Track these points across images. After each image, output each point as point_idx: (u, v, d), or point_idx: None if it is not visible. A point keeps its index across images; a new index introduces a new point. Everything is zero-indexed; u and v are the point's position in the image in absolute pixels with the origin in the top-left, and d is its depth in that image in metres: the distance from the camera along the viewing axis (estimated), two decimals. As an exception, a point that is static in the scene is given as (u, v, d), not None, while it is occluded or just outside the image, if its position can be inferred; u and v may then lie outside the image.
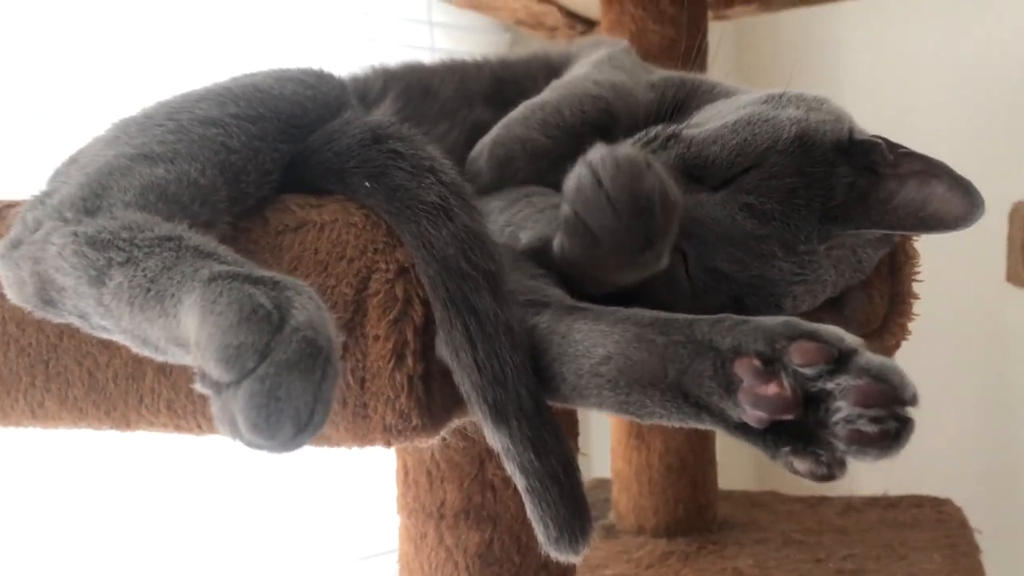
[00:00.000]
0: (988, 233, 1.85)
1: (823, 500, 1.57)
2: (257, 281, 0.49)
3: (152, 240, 0.53)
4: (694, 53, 1.19)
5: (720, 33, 1.33)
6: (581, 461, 0.63)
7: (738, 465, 1.98)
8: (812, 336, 0.51)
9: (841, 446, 0.49)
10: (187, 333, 0.49)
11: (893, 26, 2.03)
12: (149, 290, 0.51)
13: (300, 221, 0.62)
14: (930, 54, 2.00)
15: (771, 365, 0.51)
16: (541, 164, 0.81)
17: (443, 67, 0.97)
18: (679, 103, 0.84)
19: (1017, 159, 1.83)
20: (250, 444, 0.46)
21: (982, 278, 1.91)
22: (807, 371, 0.50)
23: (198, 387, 0.48)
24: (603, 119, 0.83)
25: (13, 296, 0.59)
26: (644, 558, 1.35)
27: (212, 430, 0.63)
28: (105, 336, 0.56)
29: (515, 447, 0.56)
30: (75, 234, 0.55)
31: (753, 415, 0.51)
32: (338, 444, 0.62)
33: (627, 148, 0.63)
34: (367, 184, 0.61)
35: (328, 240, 0.60)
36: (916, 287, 0.82)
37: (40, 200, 0.60)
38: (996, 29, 1.92)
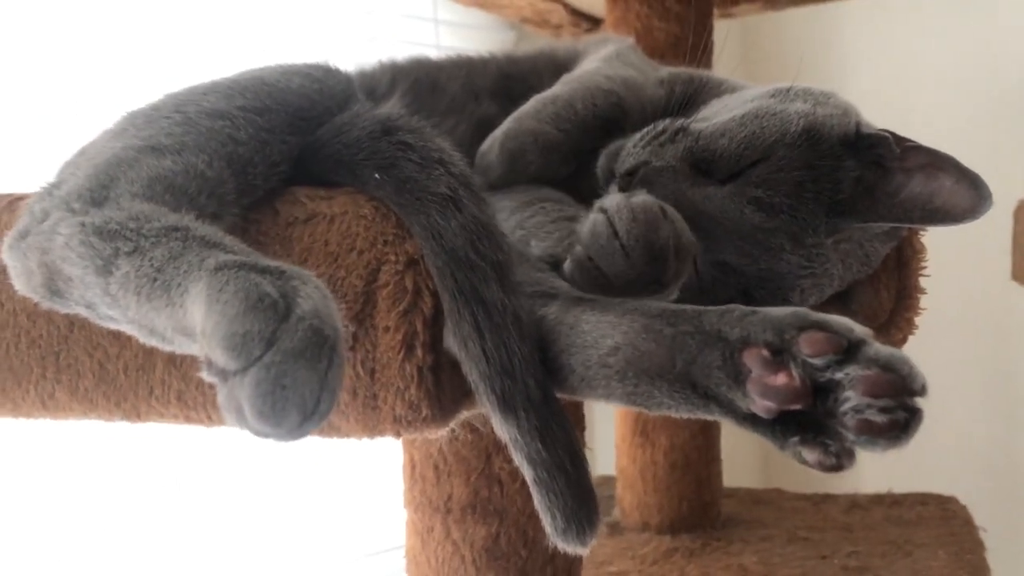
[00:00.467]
0: (994, 230, 1.85)
1: (828, 497, 1.57)
2: (263, 270, 0.49)
3: (159, 230, 0.53)
4: (700, 51, 1.19)
5: (726, 31, 1.33)
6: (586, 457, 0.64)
7: (743, 463, 1.98)
8: (821, 326, 0.51)
9: (850, 436, 0.49)
10: (193, 322, 0.49)
11: (898, 24, 2.03)
12: (156, 279, 0.51)
13: (310, 213, 0.62)
14: (935, 51, 2.00)
15: (780, 355, 0.51)
16: (553, 158, 0.81)
17: (450, 62, 0.97)
18: (688, 98, 0.85)
19: (1023, 156, 1.83)
20: (256, 432, 0.46)
21: (988, 276, 1.90)
22: (816, 361, 0.50)
23: (204, 375, 0.48)
24: (614, 113, 0.83)
25: (21, 287, 0.59)
26: (649, 555, 1.35)
27: (222, 422, 0.63)
28: (112, 326, 0.56)
29: (523, 437, 0.56)
30: (82, 224, 0.55)
31: (762, 405, 0.51)
32: (348, 435, 0.62)
33: (643, 196, 0.64)
34: (377, 176, 0.61)
35: (338, 232, 0.61)
36: (923, 282, 0.82)
37: (48, 191, 0.61)
38: (1001, 26, 1.92)
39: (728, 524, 1.45)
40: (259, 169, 0.64)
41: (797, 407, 0.50)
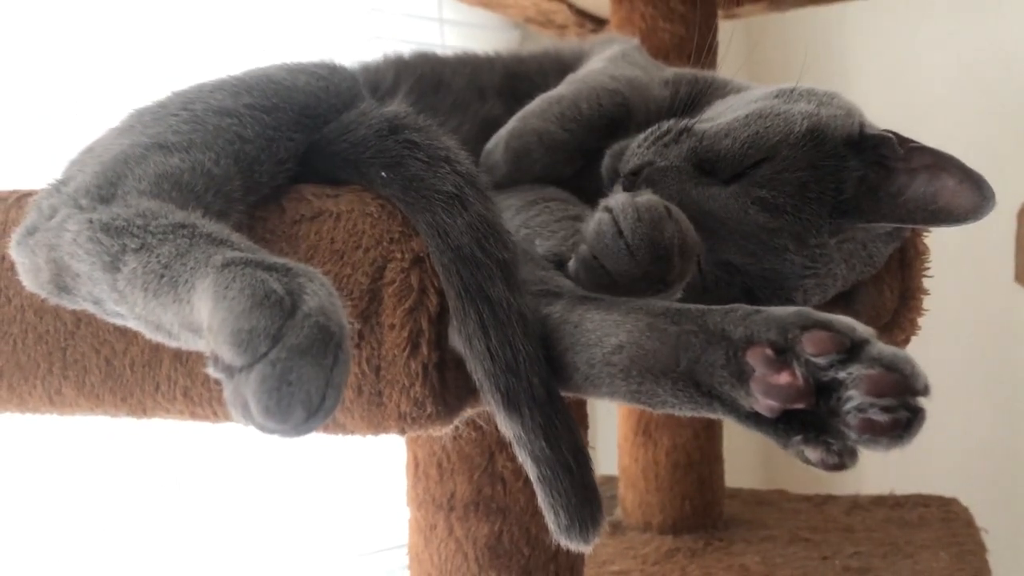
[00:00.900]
0: (997, 232, 1.85)
1: (830, 498, 1.57)
2: (269, 267, 0.49)
3: (166, 227, 0.54)
4: (707, 52, 1.19)
5: (730, 32, 1.34)
6: (589, 456, 0.64)
7: (745, 463, 1.98)
8: (824, 326, 0.51)
9: (853, 435, 0.49)
10: (200, 318, 0.49)
11: (901, 25, 2.03)
12: (163, 276, 0.51)
13: (317, 211, 0.62)
14: (938, 52, 2.00)
15: (783, 354, 0.51)
16: (557, 157, 0.81)
17: (455, 60, 0.98)
18: (692, 99, 0.85)
19: (1026, 159, 1.83)
20: (262, 428, 0.46)
21: (991, 278, 1.91)
22: (819, 360, 0.50)
23: (210, 371, 0.48)
24: (619, 113, 0.83)
25: (29, 283, 0.60)
26: (650, 555, 1.35)
27: (227, 417, 0.64)
28: (119, 322, 0.57)
29: (527, 435, 0.56)
30: (90, 221, 0.55)
31: (765, 404, 0.51)
32: (353, 432, 0.62)
33: (648, 196, 0.64)
34: (383, 174, 0.62)
35: (344, 230, 0.61)
36: (926, 283, 0.82)
37: (56, 188, 0.61)
38: (1005, 28, 1.92)
39: (730, 524, 1.45)
40: (265, 167, 0.64)
41: (800, 406, 0.50)
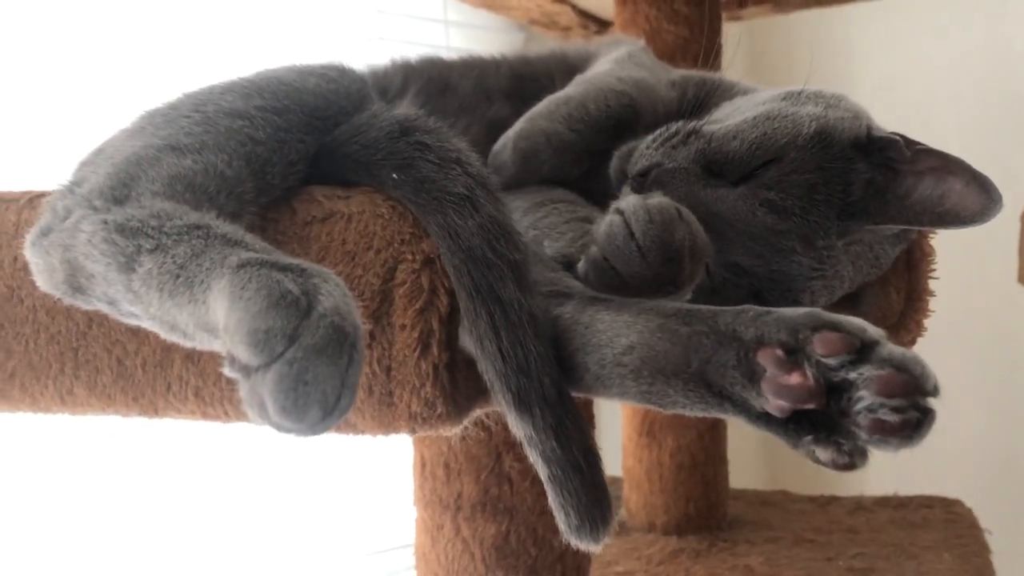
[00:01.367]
0: (1001, 233, 1.86)
1: (833, 499, 1.57)
2: (285, 268, 0.49)
3: (181, 228, 0.54)
4: (712, 54, 1.20)
5: (737, 34, 1.34)
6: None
7: (749, 464, 1.99)
8: (835, 327, 0.51)
9: (863, 435, 0.50)
10: (216, 318, 0.50)
11: (906, 28, 2.03)
12: (178, 276, 0.52)
13: (328, 212, 0.63)
14: (943, 55, 2.00)
15: (794, 355, 0.51)
16: (565, 158, 0.82)
17: (462, 63, 0.98)
18: (699, 101, 0.85)
19: (1030, 161, 1.83)
20: (278, 427, 0.47)
21: (994, 280, 1.91)
22: (830, 361, 0.50)
23: (226, 371, 0.49)
24: (627, 115, 0.84)
25: (43, 283, 0.60)
26: (655, 555, 1.35)
27: (239, 417, 0.64)
28: (134, 322, 0.57)
29: (538, 435, 0.56)
30: (105, 222, 0.56)
31: (776, 404, 0.51)
32: (363, 432, 0.63)
33: (659, 198, 0.64)
34: (394, 176, 0.62)
35: (355, 231, 0.61)
36: (932, 284, 0.82)
37: (69, 189, 0.61)
38: (1010, 29, 1.92)
39: (734, 525, 1.45)
40: (277, 168, 0.64)
41: (811, 406, 0.51)
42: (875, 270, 0.78)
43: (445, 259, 0.59)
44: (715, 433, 1.44)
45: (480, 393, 0.61)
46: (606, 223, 0.64)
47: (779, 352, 0.51)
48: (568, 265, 0.69)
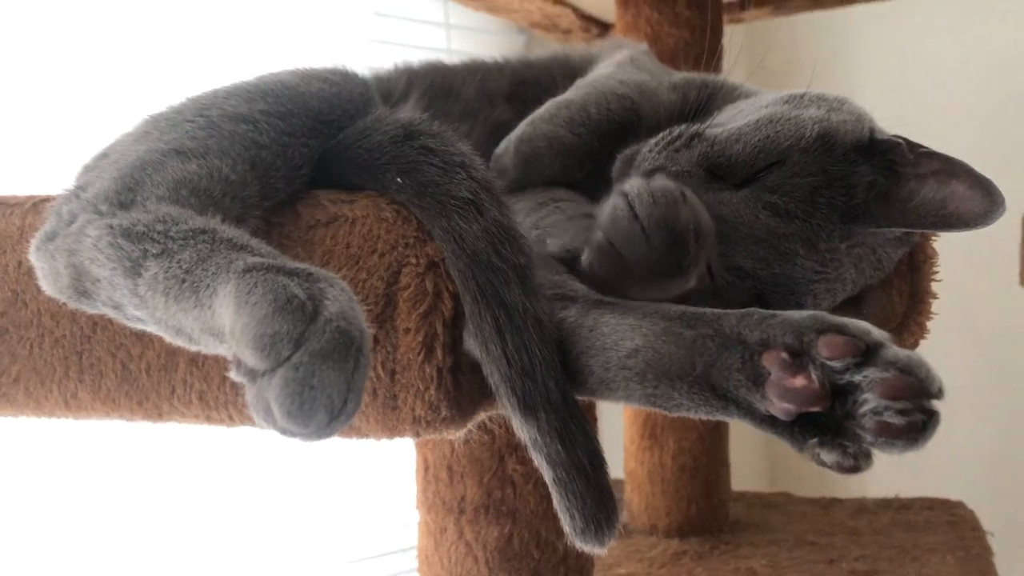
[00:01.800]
0: (1002, 237, 1.86)
1: (836, 502, 1.57)
2: (291, 272, 0.50)
3: (186, 232, 0.54)
4: (713, 57, 1.20)
5: (739, 37, 1.34)
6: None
7: (751, 466, 1.99)
8: (840, 330, 0.51)
9: (868, 438, 0.50)
10: (222, 323, 0.50)
11: (907, 30, 2.03)
12: (184, 281, 0.52)
13: (332, 216, 0.63)
14: (944, 58, 2.00)
15: (799, 358, 0.51)
16: (566, 161, 0.82)
17: (465, 67, 0.98)
18: (701, 104, 0.85)
19: (1031, 163, 1.84)
20: (284, 431, 0.47)
21: (996, 282, 1.91)
22: (835, 364, 0.51)
23: (233, 375, 0.49)
24: (628, 118, 0.84)
25: (48, 288, 0.60)
26: (657, 557, 1.35)
27: (243, 421, 0.64)
28: (139, 327, 0.57)
29: (543, 438, 0.56)
30: (110, 226, 0.56)
31: (781, 407, 0.52)
32: (368, 435, 0.63)
33: (663, 180, 0.64)
34: (399, 180, 0.62)
35: (359, 235, 0.61)
36: (934, 287, 0.83)
37: (74, 194, 0.61)
38: (1012, 32, 1.93)
39: (736, 527, 1.45)
40: (281, 172, 0.64)
41: (815, 409, 0.51)
42: (878, 272, 0.78)
43: (450, 263, 0.59)
44: (717, 435, 1.44)
45: (484, 396, 0.61)
46: (609, 206, 0.63)
47: (784, 355, 0.52)
48: (573, 259, 0.69)
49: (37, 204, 0.69)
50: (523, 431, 0.57)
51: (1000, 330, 1.96)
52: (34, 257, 0.60)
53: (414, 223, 0.61)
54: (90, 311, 0.60)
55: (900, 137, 0.75)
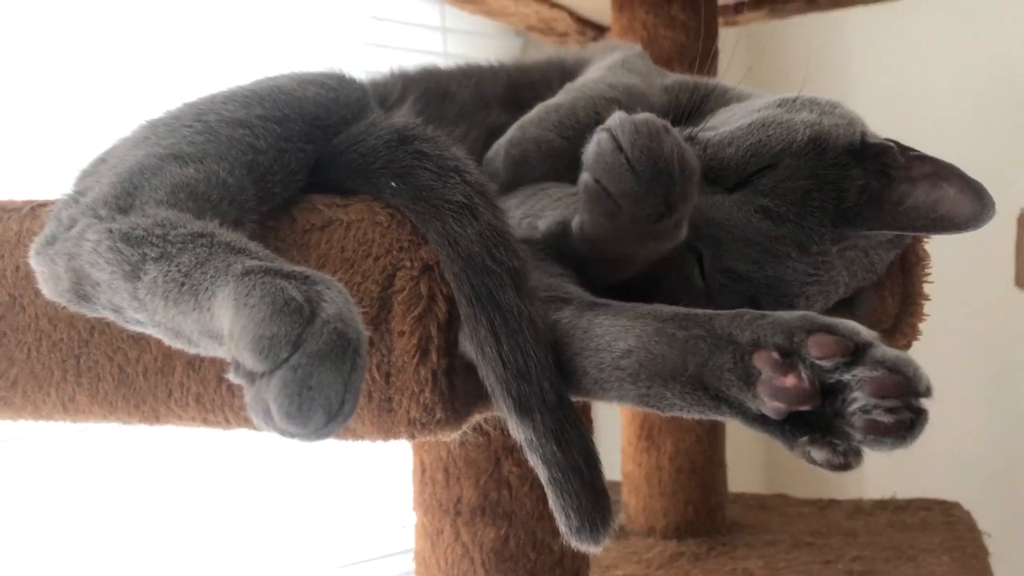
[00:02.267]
0: (998, 238, 1.87)
1: (832, 503, 1.58)
2: (288, 276, 0.50)
3: (185, 236, 0.55)
4: (708, 59, 1.20)
5: (733, 39, 1.35)
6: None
7: (747, 467, 1.99)
8: (829, 330, 0.52)
9: (857, 436, 0.50)
10: (220, 325, 0.50)
11: (902, 32, 2.04)
12: (183, 284, 0.52)
13: (327, 220, 0.63)
14: (939, 59, 2.01)
15: (789, 357, 0.52)
16: (556, 164, 0.82)
17: (460, 71, 0.99)
18: (693, 107, 0.86)
19: (1026, 164, 1.84)
20: (282, 432, 0.47)
21: (992, 283, 1.92)
22: (824, 363, 0.51)
23: (231, 377, 0.49)
24: None
25: (48, 291, 0.61)
26: (654, 559, 1.36)
27: (239, 424, 0.65)
28: (138, 329, 0.57)
29: (538, 439, 0.57)
30: (110, 231, 0.56)
31: (772, 406, 0.52)
32: (363, 437, 0.63)
33: (645, 114, 0.64)
34: (393, 184, 0.63)
35: (354, 238, 0.62)
36: (927, 289, 0.83)
37: (73, 198, 0.62)
38: (1006, 35, 1.93)
39: (733, 529, 1.46)
40: (278, 177, 0.65)
41: (806, 408, 0.52)
42: (870, 275, 0.78)
43: (445, 266, 0.59)
44: (714, 437, 1.44)
45: (479, 398, 0.62)
46: (594, 142, 0.64)
47: (775, 355, 0.52)
48: (564, 230, 0.69)
49: (35, 209, 0.69)
50: (518, 432, 0.58)
51: (996, 331, 1.97)
52: (34, 261, 0.60)
53: (409, 227, 0.62)
54: (90, 314, 0.60)
55: (891, 140, 0.76)
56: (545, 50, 1.76)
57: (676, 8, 1.37)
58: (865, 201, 0.74)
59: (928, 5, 1.96)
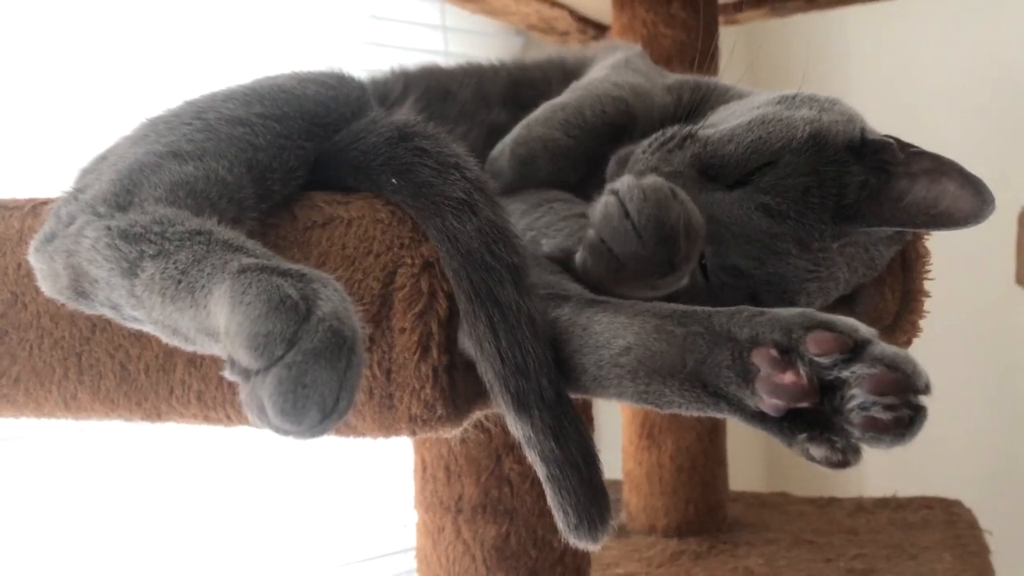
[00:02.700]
0: (998, 235, 1.86)
1: (833, 501, 1.58)
2: (284, 273, 0.50)
3: (183, 234, 0.55)
4: (708, 58, 1.20)
5: (733, 37, 1.35)
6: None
7: (748, 466, 1.99)
8: (828, 326, 0.52)
9: (856, 433, 0.50)
10: (217, 323, 0.50)
11: (902, 30, 2.04)
12: (180, 281, 0.53)
13: (328, 217, 0.63)
14: (939, 57, 2.01)
15: (788, 354, 0.52)
16: (562, 163, 0.82)
17: (461, 70, 0.99)
18: (695, 105, 0.86)
19: (1026, 162, 1.84)
20: (277, 430, 0.47)
21: (992, 280, 1.92)
22: (823, 360, 0.51)
23: (227, 374, 0.50)
24: (622, 120, 0.85)
25: (47, 288, 0.61)
26: (655, 557, 1.36)
27: (240, 421, 0.65)
28: (136, 327, 0.58)
29: (536, 435, 0.57)
30: (108, 228, 0.56)
31: (770, 403, 0.52)
32: (364, 434, 0.63)
33: (653, 178, 0.65)
34: (393, 181, 0.63)
35: (355, 236, 0.62)
36: (927, 285, 0.83)
37: (73, 196, 0.62)
38: (1006, 33, 1.93)
39: (734, 527, 1.46)
40: (277, 175, 0.65)
41: (804, 405, 0.52)
42: (870, 271, 0.78)
43: (444, 263, 0.60)
44: (715, 435, 1.44)
45: (479, 395, 0.62)
46: (601, 204, 0.65)
47: (773, 352, 0.52)
48: (567, 258, 0.70)
49: (36, 207, 0.69)
50: (517, 428, 0.58)
51: (997, 328, 1.97)
52: (33, 258, 0.60)
53: (409, 224, 0.62)
54: (88, 311, 0.60)
55: (891, 137, 0.76)
56: (545, 49, 1.76)
57: (676, 6, 1.37)
58: (865, 197, 0.74)
59: (927, 3, 1.96)
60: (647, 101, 0.87)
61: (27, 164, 1.32)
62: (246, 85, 0.71)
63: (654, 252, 0.62)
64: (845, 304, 0.80)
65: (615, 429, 1.50)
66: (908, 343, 0.84)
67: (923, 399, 0.50)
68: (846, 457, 0.51)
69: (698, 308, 0.58)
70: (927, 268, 0.83)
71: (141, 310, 0.55)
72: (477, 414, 0.65)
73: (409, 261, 0.61)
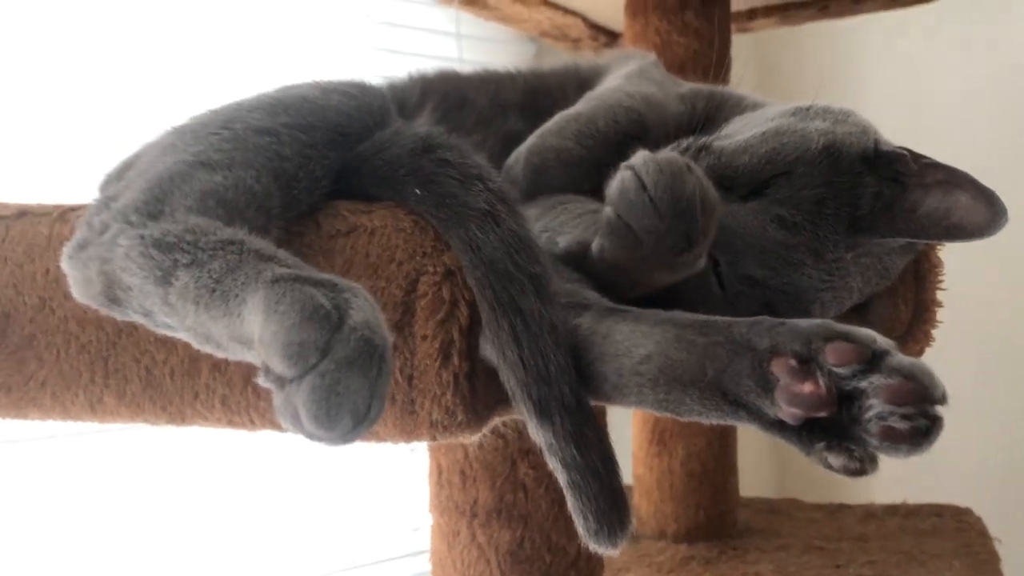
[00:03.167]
0: (1011, 246, 1.86)
1: (843, 507, 1.58)
2: (317, 283, 0.51)
3: (215, 243, 0.56)
4: (722, 66, 1.21)
5: (747, 46, 1.36)
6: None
7: (759, 472, 1.99)
8: (846, 337, 0.53)
9: (874, 442, 0.51)
10: (250, 331, 0.51)
11: (915, 39, 2.04)
12: (214, 291, 0.54)
13: (351, 226, 0.64)
14: (951, 66, 2.01)
15: (807, 364, 0.53)
16: (575, 173, 0.83)
17: (478, 77, 1.00)
18: (708, 115, 0.87)
19: (1038, 172, 1.84)
20: (311, 436, 0.48)
21: (1007, 291, 1.92)
22: (841, 370, 0.52)
23: (261, 381, 0.51)
24: (635, 130, 0.85)
25: (79, 294, 0.62)
26: (665, 563, 1.36)
27: (265, 426, 0.66)
28: (168, 333, 0.59)
29: (558, 442, 0.58)
30: (141, 236, 0.57)
31: (789, 412, 0.53)
32: (386, 440, 0.64)
33: (668, 152, 0.65)
34: (417, 191, 0.64)
35: (378, 244, 0.63)
36: (940, 295, 0.84)
37: (104, 204, 0.63)
38: (1018, 43, 1.93)
39: (744, 533, 1.46)
40: (303, 184, 0.66)
41: (823, 414, 0.52)
42: (883, 281, 0.79)
43: (467, 272, 0.60)
44: (725, 441, 1.45)
45: (499, 401, 0.63)
46: (617, 179, 0.65)
47: (792, 362, 0.53)
48: (583, 250, 0.70)
49: (64, 213, 0.70)
50: (538, 435, 0.59)
51: (1008, 338, 1.96)
52: (66, 265, 0.61)
53: (431, 233, 0.63)
54: (120, 318, 0.61)
55: (904, 148, 0.77)
56: (558, 56, 1.77)
57: (689, 15, 1.37)
58: (879, 208, 0.75)
59: (939, 12, 1.97)
60: (660, 111, 0.88)
61: (38, 167, 1.33)
62: (270, 95, 0.72)
63: (671, 225, 0.63)
64: (858, 313, 0.81)
65: (626, 435, 1.51)
66: (920, 353, 0.84)
67: (939, 409, 0.51)
68: (864, 466, 0.52)
69: (718, 318, 0.59)
70: (940, 278, 0.83)
71: (174, 317, 0.56)
72: (496, 420, 0.66)
73: (431, 269, 0.62)
